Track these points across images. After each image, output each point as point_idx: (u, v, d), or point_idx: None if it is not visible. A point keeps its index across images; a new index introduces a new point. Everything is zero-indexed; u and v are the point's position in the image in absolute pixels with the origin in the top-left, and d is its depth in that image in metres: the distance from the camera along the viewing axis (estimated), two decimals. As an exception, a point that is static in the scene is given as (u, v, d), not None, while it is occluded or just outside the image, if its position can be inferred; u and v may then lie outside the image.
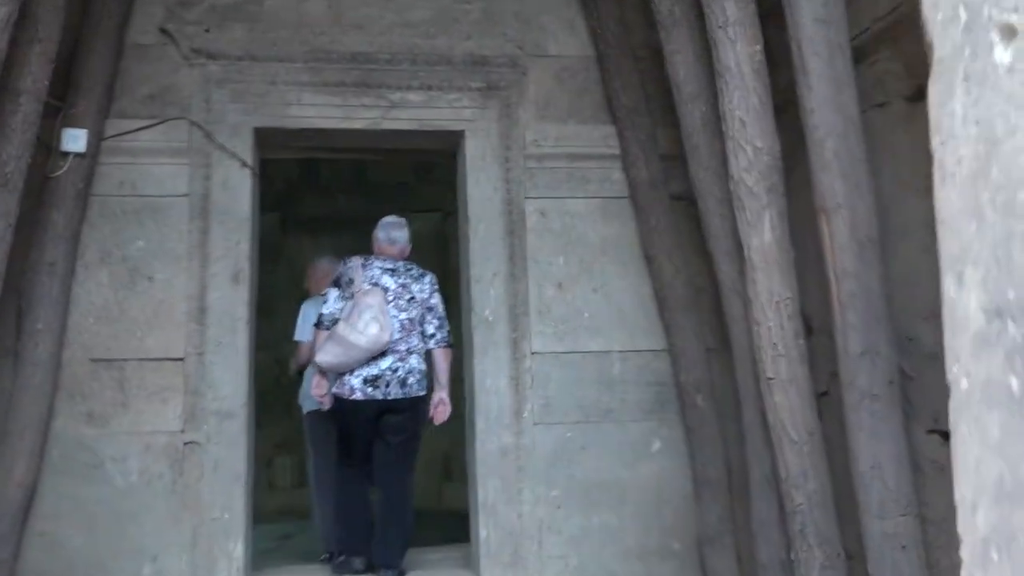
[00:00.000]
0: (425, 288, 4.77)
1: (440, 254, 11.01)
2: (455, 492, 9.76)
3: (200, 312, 4.90)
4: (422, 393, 4.69)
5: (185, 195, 4.94)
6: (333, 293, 4.76)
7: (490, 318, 5.09)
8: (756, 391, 3.92)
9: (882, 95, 3.70)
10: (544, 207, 5.21)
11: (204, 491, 4.79)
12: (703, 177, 4.16)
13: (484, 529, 4.98)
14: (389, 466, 4.73)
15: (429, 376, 4.85)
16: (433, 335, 4.72)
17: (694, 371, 4.92)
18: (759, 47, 3.67)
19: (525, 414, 5.05)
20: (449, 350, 4.78)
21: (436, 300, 4.76)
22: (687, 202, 5.17)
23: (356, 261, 4.75)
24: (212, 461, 4.82)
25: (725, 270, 4.13)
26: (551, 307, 5.15)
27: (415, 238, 10.69)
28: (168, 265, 4.90)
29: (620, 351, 5.17)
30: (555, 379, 5.11)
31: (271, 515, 9.97)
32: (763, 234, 3.62)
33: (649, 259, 5.08)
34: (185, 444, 4.82)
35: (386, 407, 4.61)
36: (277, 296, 10.82)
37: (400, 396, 4.58)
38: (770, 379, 3.62)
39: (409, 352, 4.65)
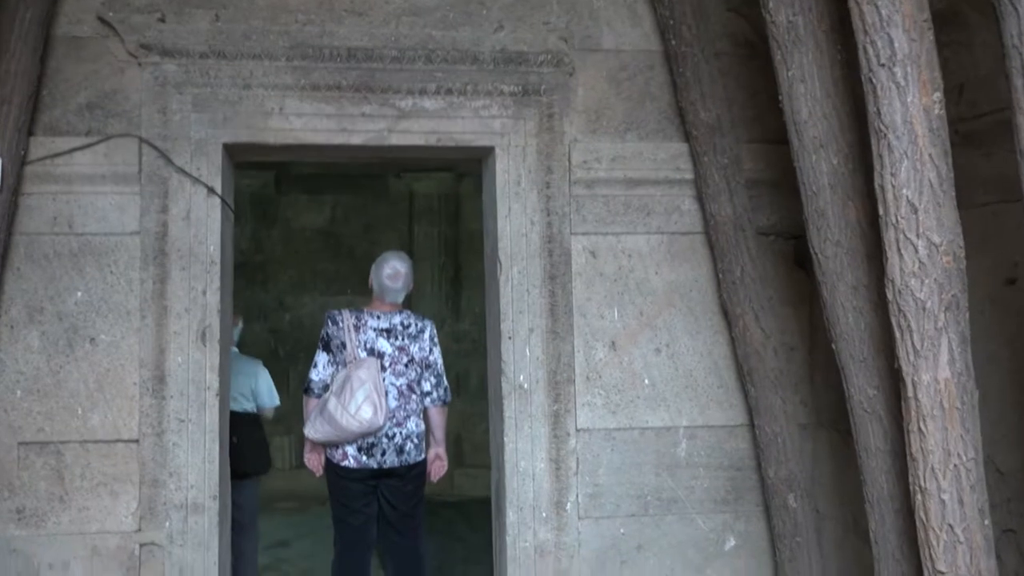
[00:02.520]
0: (424, 345, 4.21)
1: (451, 219, 9.95)
2: (468, 479, 9.10)
3: (157, 382, 3.87)
4: (421, 458, 4.22)
5: (136, 233, 3.87)
6: (322, 357, 4.20)
7: (525, 385, 4.05)
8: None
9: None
10: (595, 245, 4.11)
11: (167, 605, 3.83)
12: (833, 256, 3.05)
13: (515, 648, 4.02)
14: (397, 535, 4.28)
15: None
16: (429, 393, 4.24)
17: (786, 464, 3.89)
18: (939, 96, 2.53)
19: (568, 506, 4.06)
20: (446, 407, 4.31)
21: (435, 356, 4.24)
22: (781, 239, 4.09)
23: (347, 319, 4.13)
24: (176, 567, 3.88)
25: (865, 404, 3.06)
26: (602, 372, 4.10)
27: (423, 200, 10.00)
28: (116, 323, 3.86)
29: (688, 427, 4.15)
30: (606, 462, 4.11)
31: (268, 500, 9.13)
32: (937, 368, 2.54)
33: (730, 316, 4.01)
34: (142, 547, 3.86)
35: (382, 474, 4.16)
36: (271, 261, 9.85)
37: (396, 464, 4.14)
38: (941, 573, 2.58)
39: (407, 417, 4.16)
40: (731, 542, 4.15)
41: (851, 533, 3.83)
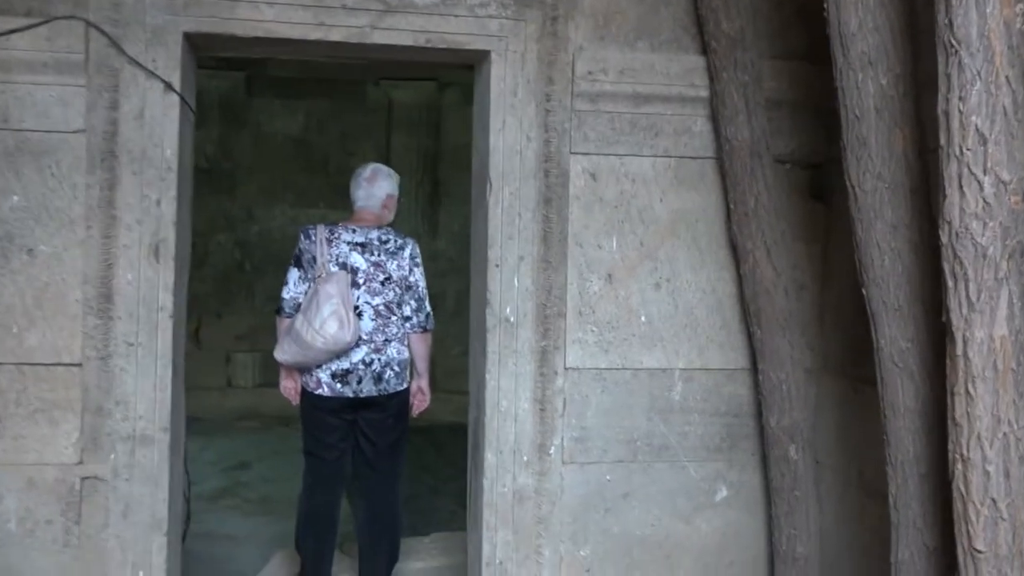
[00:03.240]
0: (404, 264, 3.94)
1: (432, 131, 9.52)
2: (439, 404, 8.59)
3: (104, 300, 3.48)
4: (401, 388, 3.98)
5: (81, 131, 3.43)
6: (294, 274, 3.94)
7: (512, 318, 3.69)
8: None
9: None
10: (596, 167, 3.73)
11: (110, 544, 3.52)
12: (872, 190, 2.68)
13: (489, 597, 3.73)
14: (373, 473, 4.06)
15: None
16: (409, 318, 3.96)
17: (789, 412, 3.58)
18: (1023, 8, 2.15)
19: (552, 449, 3.74)
20: (428, 334, 4.02)
21: (416, 277, 3.97)
22: (798, 168, 3.73)
23: (320, 233, 3.90)
24: (121, 503, 3.52)
25: (896, 358, 2.72)
26: (596, 307, 3.75)
27: (402, 109, 9.53)
28: (57, 233, 3.45)
29: (684, 369, 3.82)
30: (595, 404, 3.78)
31: (229, 419, 8.85)
32: (993, 324, 2.20)
33: (739, 251, 3.66)
34: (83, 480, 3.50)
35: (359, 404, 3.92)
36: (239, 169, 9.41)
37: (374, 394, 3.89)
38: (979, 552, 2.27)
39: (386, 342, 3.91)
40: (723, 492, 3.86)
41: (854, 488, 3.54)
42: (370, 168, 4.06)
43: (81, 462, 3.48)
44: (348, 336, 3.71)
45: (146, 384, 3.51)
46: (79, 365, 3.47)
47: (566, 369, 3.73)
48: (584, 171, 3.71)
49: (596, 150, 3.71)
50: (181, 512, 3.88)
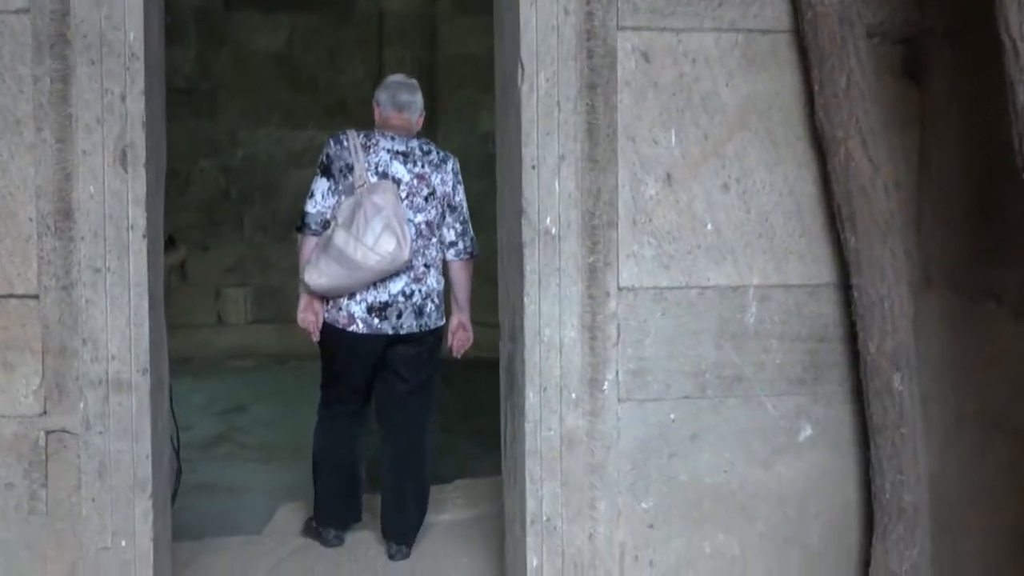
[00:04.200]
0: (448, 179, 3.62)
1: (427, 43, 8.87)
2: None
3: (62, 218, 2.90)
4: (441, 323, 3.72)
5: (24, 11, 2.81)
6: (322, 184, 3.54)
7: (553, 230, 3.09)
8: None
9: None
10: (648, 45, 3.10)
11: (84, 509, 2.96)
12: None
13: (535, 556, 3.19)
14: (403, 414, 3.77)
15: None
16: (454, 243, 3.65)
17: (893, 335, 3.00)
18: None
19: (605, 385, 3.16)
20: (472, 262, 3.73)
21: (461, 196, 3.67)
22: (888, 42, 3.13)
23: (353, 138, 3.52)
24: (96, 461, 2.96)
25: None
26: (653, 214, 3.15)
27: (394, 20, 8.87)
28: (1, 137, 2.81)
29: (759, 286, 3.23)
30: (654, 330, 3.18)
31: (221, 358, 8.35)
32: None
33: (826, 142, 3.05)
34: (48, 434, 2.94)
35: (396, 340, 3.60)
36: (220, 89, 8.77)
37: (415, 330, 3.59)
38: None
39: (427, 268, 3.61)
40: (807, 431, 3.29)
41: (971, 423, 2.98)
42: (406, 78, 3.79)
43: (45, 413, 2.92)
44: (406, 254, 3.38)
45: (118, 318, 2.92)
46: (36, 297, 2.89)
47: (619, 289, 3.14)
48: (634, 50, 3.08)
49: (648, 24, 3.08)
50: (169, 468, 3.32)
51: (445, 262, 3.70)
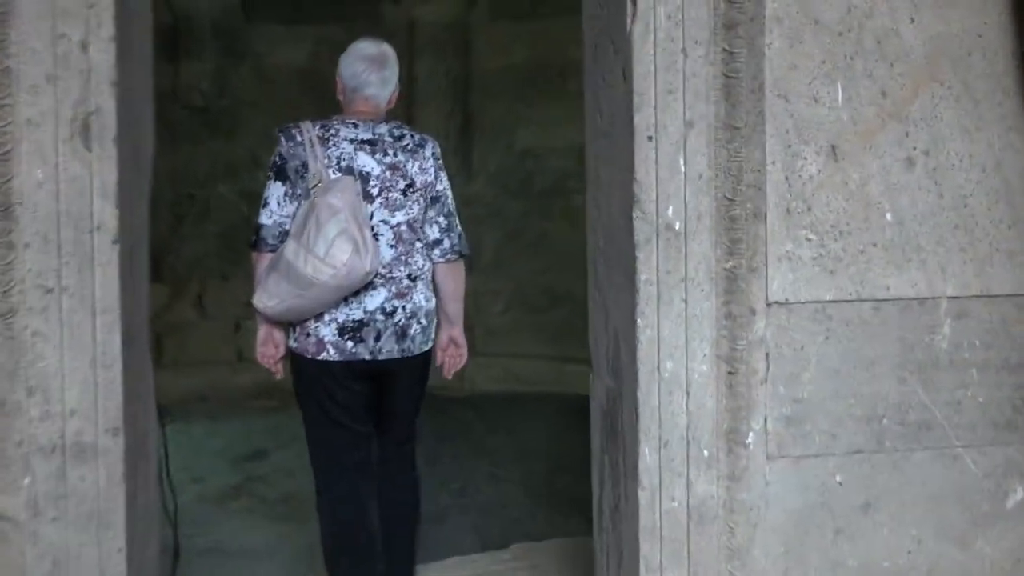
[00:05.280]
0: (427, 167, 3.13)
1: (461, 53, 8.28)
2: (480, 370, 7.42)
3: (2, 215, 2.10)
4: (427, 348, 3.18)
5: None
6: (276, 190, 3.05)
7: (677, 225, 2.33)
8: None
9: None
10: (806, -33, 2.33)
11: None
12: None
13: (654, 671, 2.38)
14: (394, 448, 3.33)
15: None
16: (439, 241, 3.16)
17: None
18: None
19: (749, 437, 2.41)
20: (462, 263, 3.25)
21: (444, 185, 3.20)
22: None
23: (308, 131, 3.05)
24: (47, 560, 2.21)
25: None
26: (813, 200, 2.40)
27: (426, 30, 8.30)
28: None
29: (955, 297, 2.49)
30: (815, 360, 2.44)
31: (241, 398, 7.74)
32: None
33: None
34: (-17, 524, 2.19)
35: (379, 369, 3.10)
36: (240, 106, 8.21)
37: (396, 355, 3.08)
38: None
39: (412, 281, 3.10)
40: (1018, 494, 2.53)
41: None
42: (375, 45, 3.15)
43: (-24, 493, 2.14)
44: (367, 264, 2.88)
45: (79, 357, 2.19)
46: (-38, 328, 2.11)
47: (768, 305, 2.38)
48: (786, -24, 2.32)
49: (806, -60, 2.31)
50: (158, 557, 2.50)
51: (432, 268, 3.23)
